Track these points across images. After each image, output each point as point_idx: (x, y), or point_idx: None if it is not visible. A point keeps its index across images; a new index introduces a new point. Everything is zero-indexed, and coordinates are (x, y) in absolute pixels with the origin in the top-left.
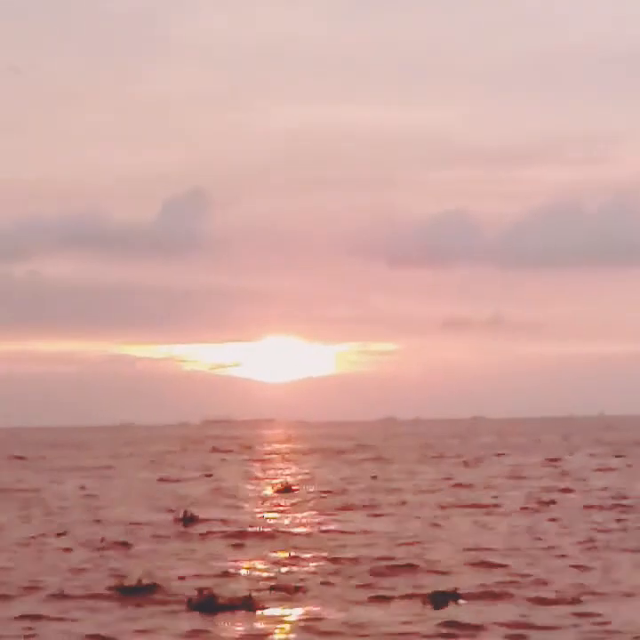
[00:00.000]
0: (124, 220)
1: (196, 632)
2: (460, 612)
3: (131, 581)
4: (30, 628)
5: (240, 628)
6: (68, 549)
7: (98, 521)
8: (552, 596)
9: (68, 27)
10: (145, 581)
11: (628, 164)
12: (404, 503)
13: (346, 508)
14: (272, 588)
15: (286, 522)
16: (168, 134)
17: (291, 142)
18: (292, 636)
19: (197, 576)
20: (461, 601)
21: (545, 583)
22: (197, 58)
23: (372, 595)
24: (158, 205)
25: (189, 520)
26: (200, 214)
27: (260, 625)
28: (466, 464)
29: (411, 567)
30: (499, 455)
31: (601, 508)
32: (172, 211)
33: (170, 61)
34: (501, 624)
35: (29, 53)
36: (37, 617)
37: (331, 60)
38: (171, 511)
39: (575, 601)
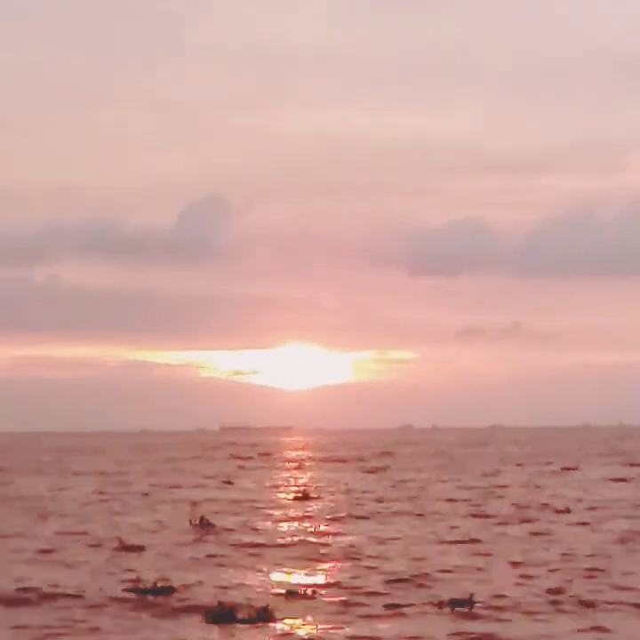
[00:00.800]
0: (142, 225)
1: None
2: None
3: (146, 584)
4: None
5: None
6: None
7: (115, 525)
8: None
9: (84, 29)
10: (160, 585)
11: None
12: (420, 514)
13: (362, 516)
14: (288, 598)
15: (303, 530)
16: (186, 139)
17: (308, 148)
18: None
19: (215, 585)
20: (477, 605)
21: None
22: (214, 62)
23: (389, 603)
24: (177, 211)
25: (206, 526)
26: (217, 221)
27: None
28: (484, 474)
29: (425, 577)
30: (519, 465)
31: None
32: (190, 217)
33: (186, 65)
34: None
35: (51, 53)
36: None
37: (347, 67)
38: (188, 518)
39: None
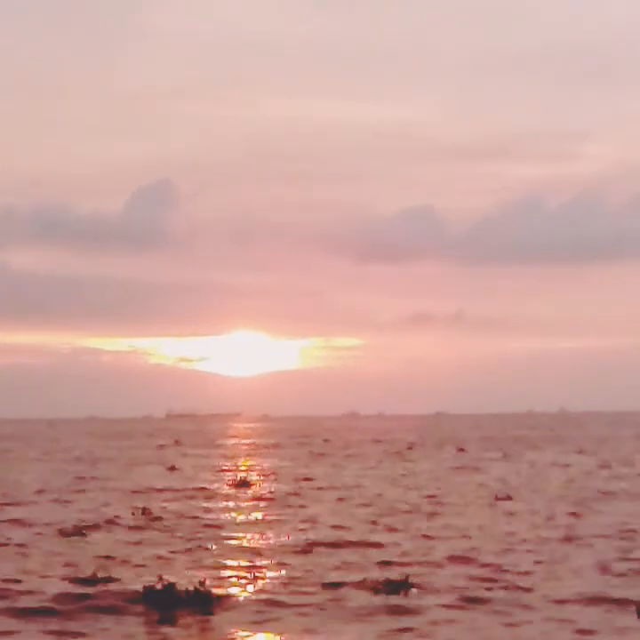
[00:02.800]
0: (92, 211)
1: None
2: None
3: (86, 573)
4: None
5: (194, 626)
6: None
7: (55, 513)
8: None
9: (39, 15)
10: (100, 574)
11: (594, 160)
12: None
13: (301, 502)
14: (227, 581)
15: (235, 516)
16: (138, 125)
17: (261, 135)
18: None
19: (155, 573)
20: (414, 590)
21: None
22: (169, 50)
23: (325, 582)
24: (127, 197)
25: (147, 515)
26: (168, 207)
27: (213, 623)
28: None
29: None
30: (459, 450)
31: None
32: (141, 203)
33: (140, 53)
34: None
35: (3, 39)
36: None
37: (303, 54)
38: (130, 507)
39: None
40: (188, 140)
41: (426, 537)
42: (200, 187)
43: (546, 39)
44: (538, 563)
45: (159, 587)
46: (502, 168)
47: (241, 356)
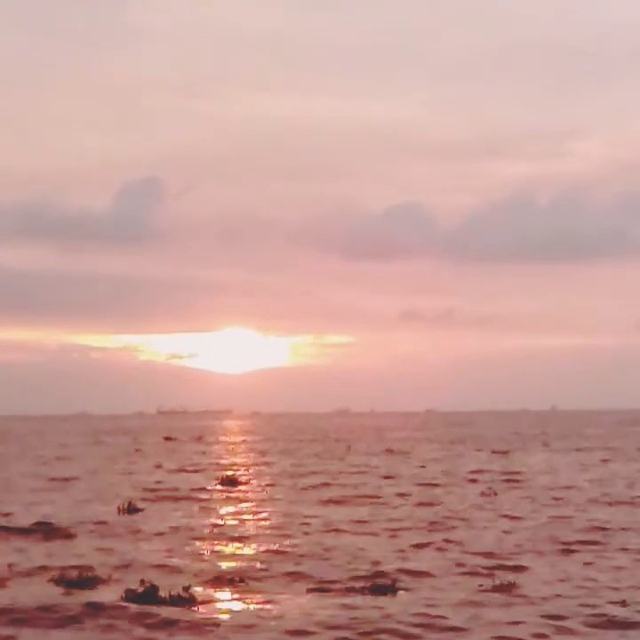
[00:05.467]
0: (80, 207)
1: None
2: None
3: (72, 575)
4: None
5: (180, 623)
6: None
7: (38, 510)
8: None
9: (25, 10)
10: (86, 574)
11: (584, 158)
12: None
13: (290, 499)
14: (213, 580)
15: (224, 512)
16: (125, 122)
17: (250, 132)
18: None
19: (141, 572)
20: (400, 592)
21: None
22: (156, 46)
23: (312, 587)
24: (115, 194)
25: (134, 512)
26: (156, 203)
27: (199, 618)
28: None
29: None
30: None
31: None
32: (129, 199)
33: (128, 49)
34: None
35: None
36: None
37: (291, 52)
38: (116, 504)
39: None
40: (176, 137)
41: None
42: (189, 183)
43: (534, 37)
44: None
45: (140, 590)
46: (491, 166)
47: (231, 353)
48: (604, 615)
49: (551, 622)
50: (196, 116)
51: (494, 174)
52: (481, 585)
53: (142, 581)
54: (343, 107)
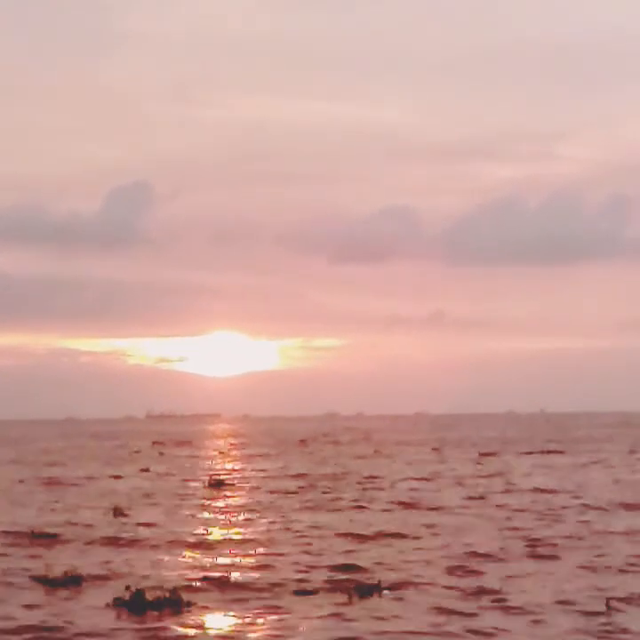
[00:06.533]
0: (69, 212)
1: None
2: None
3: (56, 574)
4: None
5: (168, 628)
6: None
7: (26, 515)
8: None
9: (15, 17)
10: (70, 574)
11: (572, 161)
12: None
13: (275, 503)
14: (200, 585)
15: (211, 517)
16: (114, 126)
17: (237, 136)
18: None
19: (126, 575)
20: (385, 592)
21: None
22: (144, 52)
23: (297, 589)
24: (103, 198)
25: (120, 516)
26: (146, 208)
27: (189, 622)
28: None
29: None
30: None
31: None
32: (117, 203)
33: (117, 55)
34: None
35: None
36: None
37: (279, 55)
38: (103, 508)
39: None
40: (165, 142)
41: None
42: (177, 187)
43: (519, 40)
44: None
45: (127, 597)
46: (479, 168)
47: (220, 357)
48: None
49: None
50: (186, 120)
51: (483, 177)
52: None
53: (128, 587)
54: (330, 110)
